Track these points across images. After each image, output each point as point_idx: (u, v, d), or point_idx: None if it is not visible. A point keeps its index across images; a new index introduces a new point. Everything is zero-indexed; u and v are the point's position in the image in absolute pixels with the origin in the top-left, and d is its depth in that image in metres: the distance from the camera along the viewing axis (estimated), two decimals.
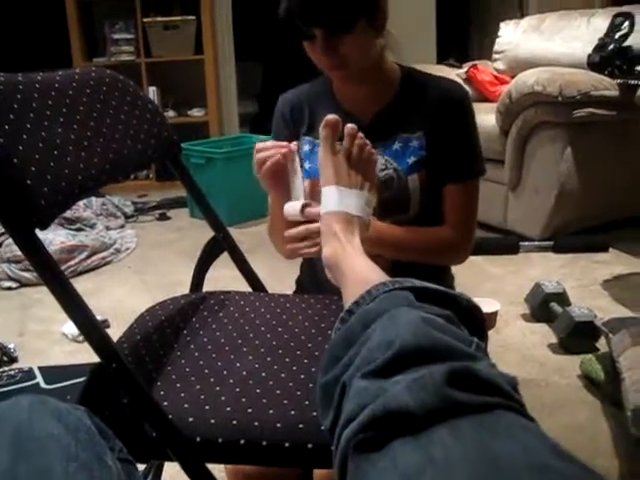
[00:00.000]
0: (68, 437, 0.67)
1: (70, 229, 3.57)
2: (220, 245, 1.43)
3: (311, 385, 0.97)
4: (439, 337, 0.62)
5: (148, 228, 4.07)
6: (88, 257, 3.32)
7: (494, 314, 2.41)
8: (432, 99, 1.39)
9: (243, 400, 0.94)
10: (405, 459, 0.51)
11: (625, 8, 3.49)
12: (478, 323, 0.75)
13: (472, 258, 3.06)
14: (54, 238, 3.24)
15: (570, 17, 3.87)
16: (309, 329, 1.16)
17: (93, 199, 4.04)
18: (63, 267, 3.12)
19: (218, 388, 0.97)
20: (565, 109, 3.05)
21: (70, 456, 0.65)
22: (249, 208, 3.76)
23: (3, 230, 0.98)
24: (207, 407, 0.93)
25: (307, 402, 0.93)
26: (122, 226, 4.03)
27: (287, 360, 1.05)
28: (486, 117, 3.33)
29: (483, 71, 4.11)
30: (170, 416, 0.91)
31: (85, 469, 0.64)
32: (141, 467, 1.26)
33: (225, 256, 1.43)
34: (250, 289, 1.45)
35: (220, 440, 0.89)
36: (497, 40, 4.29)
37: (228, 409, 0.93)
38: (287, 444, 0.88)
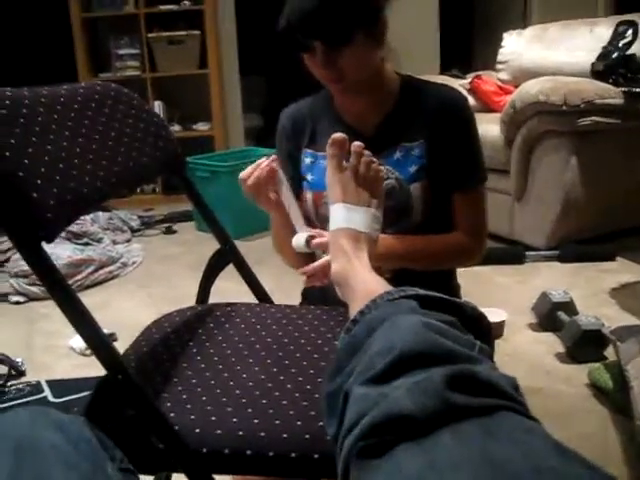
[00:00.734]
0: (69, 447, 0.68)
1: (77, 244, 3.58)
2: (226, 257, 1.43)
3: (317, 396, 0.97)
4: (440, 341, 0.63)
5: (154, 242, 4.08)
6: (95, 271, 3.33)
7: (501, 324, 2.41)
8: (431, 107, 1.39)
9: (249, 411, 0.94)
10: (408, 464, 0.51)
11: (629, 16, 3.49)
12: (484, 330, 0.75)
13: (479, 268, 3.06)
14: (61, 253, 3.25)
15: (573, 26, 3.87)
16: (315, 340, 1.16)
17: (100, 214, 4.05)
18: (70, 281, 3.13)
19: (224, 399, 0.97)
20: (569, 118, 3.05)
21: (71, 466, 0.65)
22: (255, 221, 3.76)
23: (11, 245, 0.99)
24: (213, 418, 0.93)
25: (313, 412, 0.93)
26: (129, 240, 4.04)
27: (293, 371, 1.05)
28: (490, 127, 3.34)
29: (487, 81, 4.12)
30: (176, 427, 0.91)
31: (86, 479, 0.65)
32: (149, 479, 1.26)
33: (231, 268, 1.44)
34: (256, 301, 1.45)
35: (226, 451, 0.89)
36: (500, 50, 4.30)
37: (234, 420, 0.93)
38: (293, 454, 0.88)
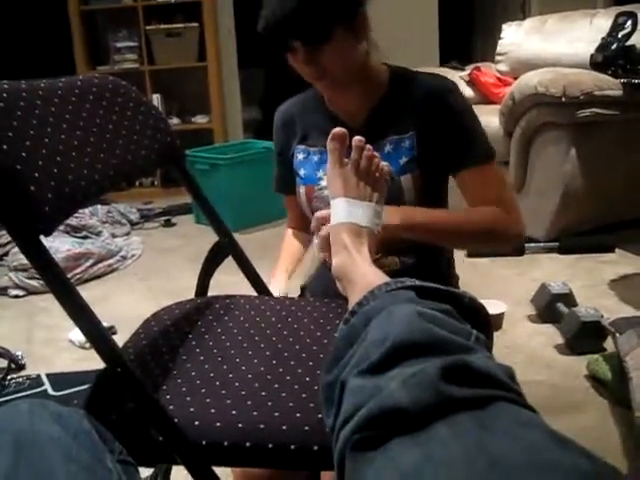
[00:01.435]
0: (68, 439, 0.68)
1: (76, 237, 3.58)
2: (225, 250, 1.43)
3: (316, 387, 0.97)
4: (434, 330, 0.63)
5: (154, 235, 4.08)
6: (94, 264, 3.33)
7: (501, 315, 2.41)
8: (420, 97, 1.38)
9: (248, 403, 0.94)
10: (403, 457, 0.51)
11: (628, 7, 3.48)
12: (482, 320, 0.75)
13: (478, 260, 3.07)
14: (60, 246, 3.25)
15: (572, 17, 3.86)
16: (314, 332, 1.16)
17: (99, 207, 4.05)
18: (69, 275, 3.13)
19: (223, 391, 0.97)
20: (569, 110, 3.05)
21: (71, 458, 0.65)
22: (254, 213, 3.77)
23: (10, 238, 0.99)
24: (213, 410, 0.93)
25: (312, 404, 0.93)
26: (128, 233, 4.04)
27: (292, 363, 1.05)
28: (489, 119, 3.33)
29: (486, 73, 4.11)
30: (176, 420, 0.91)
31: (86, 471, 0.65)
32: (149, 471, 1.26)
33: (230, 261, 1.44)
34: (255, 293, 1.45)
35: (226, 443, 0.89)
36: (500, 42, 4.29)
37: (234, 412, 0.93)
38: (293, 446, 0.88)
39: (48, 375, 2.30)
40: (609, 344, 2.13)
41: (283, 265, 1.57)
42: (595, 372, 2.02)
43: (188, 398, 0.96)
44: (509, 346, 2.30)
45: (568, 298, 2.45)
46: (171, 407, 0.94)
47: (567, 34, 3.78)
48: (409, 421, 0.53)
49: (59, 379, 2.27)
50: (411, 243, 1.34)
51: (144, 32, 4.87)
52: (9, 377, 2.30)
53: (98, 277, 3.32)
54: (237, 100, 5.39)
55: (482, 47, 6.48)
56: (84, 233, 3.65)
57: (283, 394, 0.96)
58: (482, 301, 0.80)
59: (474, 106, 1.46)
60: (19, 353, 2.43)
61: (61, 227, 3.52)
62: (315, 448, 0.88)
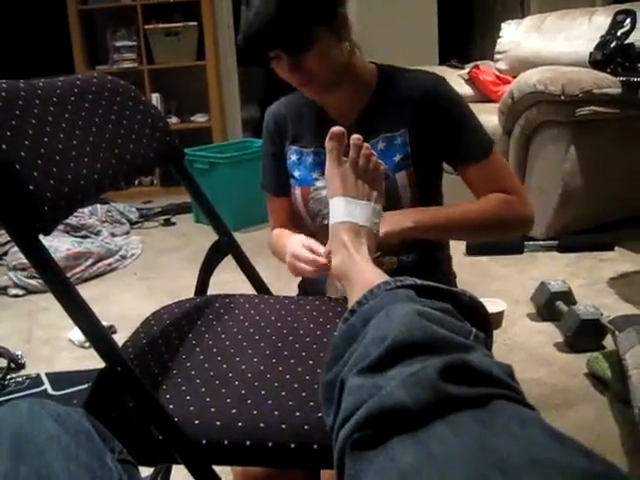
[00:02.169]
0: (68, 438, 0.68)
1: (75, 236, 3.58)
2: (224, 249, 1.43)
3: (316, 386, 0.97)
4: (433, 329, 0.63)
5: (153, 234, 4.08)
6: (94, 264, 3.33)
7: (500, 314, 2.41)
8: (408, 94, 1.38)
9: (248, 402, 0.94)
10: (403, 456, 0.51)
11: (627, 5, 3.48)
12: (481, 319, 0.75)
13: (477, 258, 3.07)
14: (59, 245, 3.25)
15: (571, 16, 3.86)
16: (314, 331, 1.16)
17: (98, 206, 4.05)
18: (69, 274, 3.13)
19: (223, 390, 0.97)
20: (568, 108, 3.04)
21: (70, 457, 0.65)
22: (253, 212, 3.75)
23: (9, 238, 0.98)
24: (212, 409, 0.93)
25: (312, 403, 0.93)
26: (127, 232, 4.04)
27: (292, 362, 1.05)
28: (489, 117, 3.33)
29: (485, 71, 4.11)
30: (176, 419, 0.91)
31: (86, 469, 0.65)
32: (149, 470, 1.26)
33: (230, 260, 1.44)
34: (255, 292, 1.45)
35: (226, 442, 0.90)
36: (499, 40, 4.28)
37: (233, 411, 0.93)
38: (293, 445, 0.89)
39: (48, 374, 2.30)
40: (608, 342, 2.13)
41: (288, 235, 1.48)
42: (595, 370, 2.02)
43: (188, 397, 0.96)
44: (509, 344, 2.30)
45: (567, 296, 2.45)
46: (171, 406, 0.94)
47: (566, 32, 3.78)
48: (409, 420, 0.53)
49: (59, 378, 2.27)
50: (410, 242, 1.34)
51: (143, 31, 4.87)
52: (9, 376, 2.29)
53: (97, 276, 3.32)
54: (236, 99, 5.39)
55: (481, 45, 6.48)
56: (83, 232, 3.65)
57: (283, 393, 0.96)
58: (481, 299, 0.80)
59: (473, 104, 1.46)
60: (19, 352, 2.43)
61: (60, 226, 3.52)
62: (315, 447, 0.88)
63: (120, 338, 1.13)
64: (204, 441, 0.90)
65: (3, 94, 0.91)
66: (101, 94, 1.17)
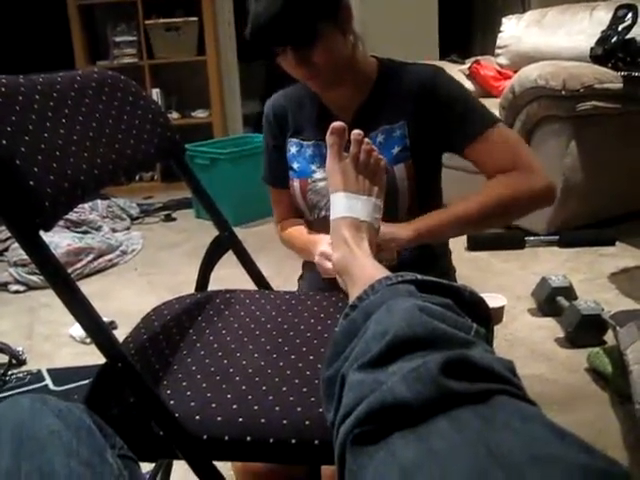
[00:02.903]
0: (69, 434, 0.68)
1: (76, 232, 3.58)
2: (225, 244, 1.43)
3: (317, 382, 0.97)
4: (434, 324, 0.63)
5: (154, 230, 4.08)
6: (94, 259, 3.33)
7: (501, 309, 2.41)
8: (407, 86, 1.38)
9: (249, 397, 0.94)
10: (404, 451, 0.51)
11: (628, 0, 3.47)
12: (482, 314, 0.75)
13: (478, 254, 3.07)
14: (60, 241, 3.25)
15: (572, 10, 3.85)
16: (315, 326, 1.16)
17: (99, 202, 4.05)
18: (70, 270, 3.13)
19: (224, 386, 0.97)
20: (569, 103, 3.04)
21: (71, 453, 0.65)
22: (254, 208, 3.76)
23: (10, 234, 0.98)
24: (213, 405, 0.93)
25: (313, 399, 0.93)
26: (128, 228, 4.04)
27: (293, 357, 1.05)
28: None
29: (486, 66, 4.10)
30: (177, 414, 0.92)
31: (87, 465, 0.65)
32: (150, 466, 1.26)
33: (230, 255, 1.44)
34: (255, 288, 1.45)
35: (227, 438, 0.90)
36: (500, 35, 4.28)
37: (234, 407, 0.93)
38: (293, 441, 0.89)
39: (49, 370, 2.31)
40: (609, 337, 2.13)
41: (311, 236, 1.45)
42: (595, 365, 2.02)
43: (189, 393, 0.96)
44: (509, 340, 2.30)
45: (568, 291, 2.45)
46: (172, 402, 0.94)
47: (567, 27, 3.77)
48: (410, 415, 0.53)
49: (60, 374, 2.27)
50: None
51: (143, 26, 4.86)
52: (10, 372, 2.30)
53: (98, 272, 3.32)
54: (237, 94, 5.38)
55: (482, 40, 6.47)
56: (84, 228, 3.65)
57: (284, 388, 0.96)
58: (482, 295, 0.80)
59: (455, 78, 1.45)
60: (20, 348, 2.43)
61: (61, 222, 3.52)
62: (316, 442, 0.88)
63: (121, 334, 1.13)
64: (205, 436, 0.90)
65: (3, 89, 0.90)
66: (101, 89, 1.17)
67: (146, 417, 0.92)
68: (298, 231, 1.51)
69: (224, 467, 1.10)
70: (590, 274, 2.83)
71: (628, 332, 1.84)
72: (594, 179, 3.22)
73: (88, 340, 2.37)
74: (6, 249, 3.44)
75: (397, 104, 1.38)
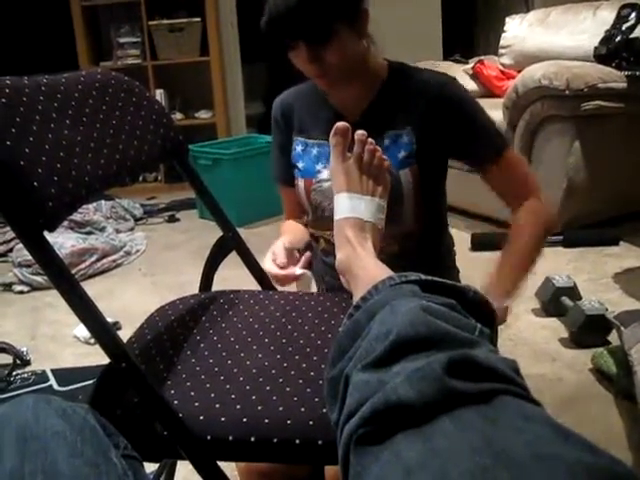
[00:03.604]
0: (73, 434, 0.68)
1: (80, 233, 3.58)
2: (229, 245, 1.43)
3: (321, 382, 0.97)
4: (437, 324, 0.63)
5: (157, 230, 4.09)
6: (98, 260, 3.34)
7: (505, 309, 2.40)
8: (416, 92, 1.37)
9: (253, 398, 0.94)
10: (408, 452, 0.51)
11: None
12: (486, 314, 0.75)
13: (482, 253, 3.06)
14: (64, 242, 3.25)
15: (576, 10, 3.85)
16: (319, 326, 1.16)
17: (102, 202, 4.06)
18: (74, 270, 3.13)
19: (228, 386, 0.97)
20: (572, 102, 3.03)
21: (76, 453, 0.66)
22: (258, 208, 3.77)
23: (14, 235, 0.99)
24: (217, 405, 0.93)
25: (317, 399, 0.93)
26: (132, 229, 4.05)
27: (297, 357, 1.05)
28: (493, 112, 3.30)
29: (489, 66, 4.10)
30: (180, 415, 0.92)
31: (91, 465, 0.65)
32: (154, 467, 1.26)
33: (234, 256, 1.44)
34: (259, 288, 1.45)
35: (231, 438, 0.90)
36: (503, 35, 4.27)
37: (238, 407, 0.93)
38: (297, 441, 0.89)
39: (53, 370, 2.31)
40: (614, 337, 2.13)
41: (284, 234, 1.51)
42: (600, 365, 2.02)
43: (193, 393, 0.97)
44: (513, 340, 2.30)
45: (572, 291, 2.45)
46: (176, 402, 0.94)
47: (571, 27, 3.77)
48: (414, 415, 0.53)
49: (64, 374, 2.27)
50: (411, 230, 1.35)
51: (147, 27, 4.86)
52: (14, 373, 2.30)
53: (102, 273, 3.33)
54: (240, 95, 5.38)
55: (485, 40, 6.46)
56: (88, 229, 3.65)
57: (287, 389, 0.96)
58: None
59: (477, 99, 1.45)
60: (24, 349, 2.44)
61: (65, 223, 3.53)
62: (320, 442, 0.88)
63: (125, 334, 1.13)
64: (209, 437, 0.90)
65: (7, 91, 0.91)
66: (105, 90, 1.17)
67: (150, 417, 0.92)
68: (286, 230, 1.53)
69: (228, 467, 1.10)
70: (594, 274, 2.83)
71: (632, 332, 1.83)
72: (598, 179, 3.22)
73: (92, 340, 2.37)
74: (10, 250, 3.45)
75: (405, 109, 1.37)
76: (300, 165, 1.46)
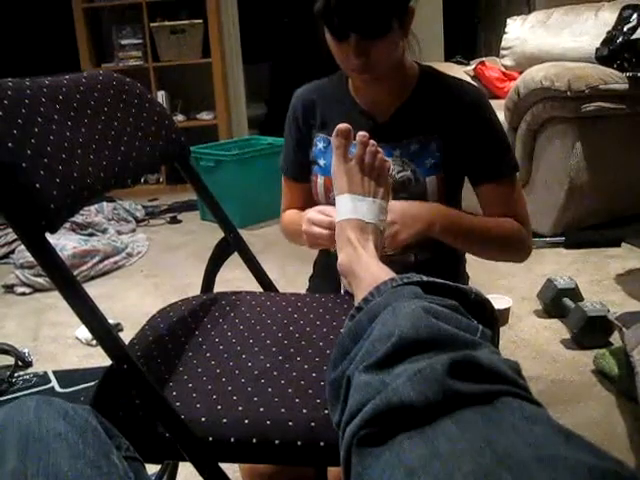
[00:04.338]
0: (75, 436, 0.68)
1: (82, 234, 3.59)
2: (230, 246, 1.43)
3: (322, 383, 0.97)
4: (439, 326, 0.63)
5: (159, 232, 4.09)
6: (100, 262, 3.34)
7: (506, 310, 2.41)
8: (449, 101, 1.37)
9: (255, 399, 0.94)
10: (410, 453, 0.51)
11: (633, 0, 3.47)
12: (488, 316, 0.75)
13: None
14: (66, 243, 3.26)
15: (577, 11, 3.85)
16: (320, 328, 1.16)
17: (104, 204, 4.06)
18: (75, 272, 3.13)
19: (230, 388, 0.97)
20: (574, 104, 3.03)
21: (77, 454, 0.66)
22: (259, 210, 3.77)
23: (16, 236, 0.99)
24: (219, 407, 0.93)
25: (319, 400, 0.93)
26: (133, 230, 4.05)
27: (298, 359, 1.05)
28: None
29: (491, 67, 4.10)
30: (182, 416, 0.91)
31: (93, 467, 0.65)
32: (156, 468, 1.26)
33: (236, 257, 1.44)
34: (261, 289, 1.45)
35: (232, 439, 0.90)
36: (504, 36, 4.27)
37: (240, 408, 0.93)
38: (299, 442, 0.89)
39: (55, 372, 2.31)
40: (616, 339, 2.13)
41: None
42: (602, 367, 2.01)
43: (194, 394, 0.97)
44: (515, 341, 2.30)
45: (574, 293, 2.45)
46: (177, 403, 0.94)
47: (572, 28, 3.77)
48: (415, 417, 0.53)
49: (66, 376, 2.27)
50: (427, 239, 1.34)
51: (148, 29, 4.87)
52: (16, 374, 2.30)
53: (104, 274, 3.33)
54: (242, 96, 5.38)
55: (487, 41, 6.46)
56: (90, 230, 3.66)
57: (289, 390, 0.96)
58: (488, 296, 0.80)
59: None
60: (26, 350, 2.44)
61: (67, 224, 3.53)
62: (321, 444, 0.88)
63: (126, 336, 1.13)
64: (210, 438, 0.90)
65: (9, 92, 0.91)
66: (107, 92, 1.17)
67: (152, 419, 0.92)
68: (298, 214, 1.48)
69: (230, 468, 1.10)
70: (596, 275, 2.83)
71: (634, 333, 1.83)
72: (600, 180, 3.22)
73: (94, 342, 2.38)
74: (12, 251, 3.45)
75: (435, 115, 1.37)
76: (322, 162, 1.44)
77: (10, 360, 2.36)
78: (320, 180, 1.44)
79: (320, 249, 1.56)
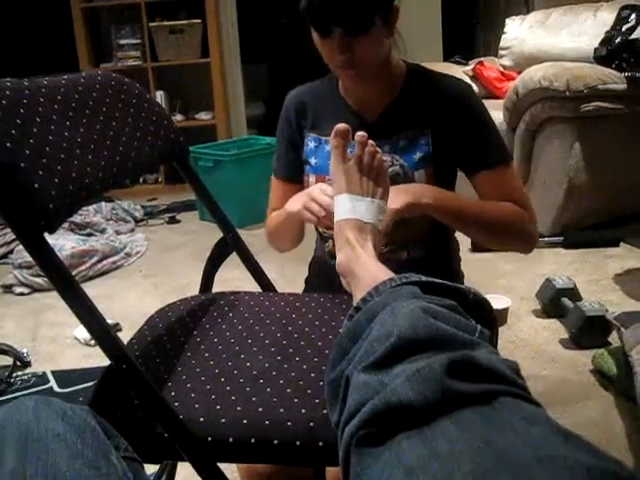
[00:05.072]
0: (73, 436, 0.68)
1: (80, 234, 3.58)
2: (229, 246, 1.43)
3: (321, 383, 0.97)
4: (438, 326, 0.63)
5: (158, 232, 4.09)
6: (99, 262, 3.33)
7: (505, 310, 2.41)
8: (436, 96, 1.38)
9: (253, 399, 0.94)
10: (409, 453, 0.51)
11: (632, 0, 3.47)
12: (486, 316, 0.75)
13: (483, 255, 3.06)
14: (65, 244, 3.25)
15: (576, 11, 3.85)
16: (319, 328, 1.16)
17: (103, 204, 4.06)
18: (74, 272, 3.13)
19: (228, 388, 0.97)
20: (573, 104, 3.04)
21: (76, 455, 0.66)
22: (258, 210, 3.72)
23: (15, 236, 0.99)
24: (218, 407, 0.93)
25: (317, 400, 0.93)
26: (132, 230, 4.04)
27: (297, 359, 1.05)
28: (493, 114, 3.28)
29: (489, 67, 4.10)
30: (181, 416, 0.92)
31: (91, 467, 0.65)
32: (155, 468, 1.26)
33: (234, 257, 1.44)
34: (260, 290, 1.45)
35: (231, 439, 0.90)
36: (503, 36, 4.27)
37: (239, 408, 0.93)
38: (298, 442, 0.89)
39: (53, 372, 2.31)
40: (614, 338, 2.13)
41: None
42: (600, 366, 2.01)
43: (193, 394, 0.97)
44: (514, 341, 2.30)
45: (573, 293, 2.45)
46: (176, 404, 0.95)
47: (571, 28, 3.77)
48: (414, 417, 0.53)
49: (65, 376, 2.27)
50: (420, 236, 1.34)
51: (147, 29, 4.86)
52: (15, 374, 2.30)
53: (102, 274, 3.32)
54: (240, 96, 5.38)
55: (485, 41, 6.47)
56: (88, 230, 3.65)
57: (288, 390, 0.96)
58: (487, 296, 0.80)
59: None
60: (24, 350, 2.44)
61: (65, 224, 3.53)
62: (320, 444, 0.88)
63: (125, 336, 1.13)
64: (209, 438, 0.90)
65: (7, 93, 0.91)
66: (105, 92, 1.17)
67: (150, 419, 0.92)
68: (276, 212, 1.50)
69: (228, 468, 1.10)
70: (595, 275, 2.83)
71: (633, 333, 1.83)
72: (598, 180, 3.22)
73: (92, 342, 2.37)
74: (11, 251, 3.45)
75: (423, 111, 1.38)
76: (313, 161, 1.45)
77: (9, 360, 2.36)
78: (312, 179, 1.45)
79: (316, 253, 1.57)
